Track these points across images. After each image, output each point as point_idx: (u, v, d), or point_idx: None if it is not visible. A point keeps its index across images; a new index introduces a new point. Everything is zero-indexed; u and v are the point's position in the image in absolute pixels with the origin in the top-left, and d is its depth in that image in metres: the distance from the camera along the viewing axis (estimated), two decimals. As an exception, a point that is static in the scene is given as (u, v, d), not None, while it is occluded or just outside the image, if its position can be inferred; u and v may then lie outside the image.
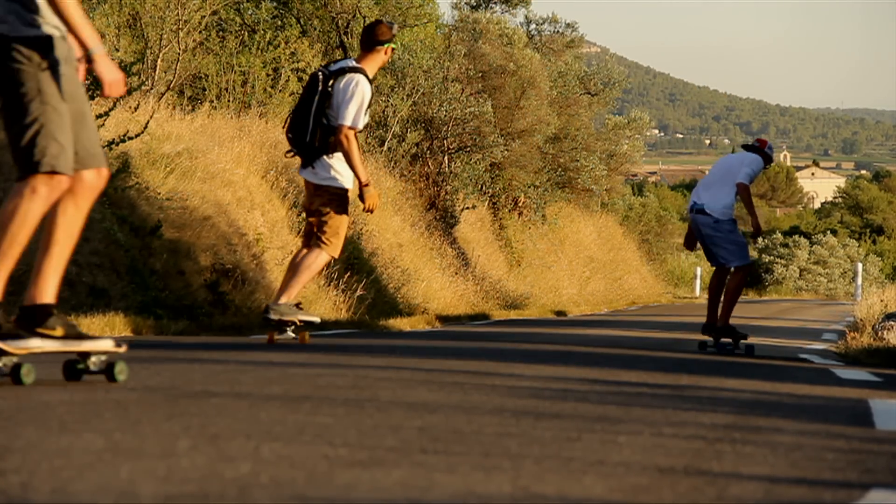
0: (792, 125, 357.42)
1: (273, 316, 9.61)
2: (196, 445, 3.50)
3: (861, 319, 17.27)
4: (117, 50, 18.60)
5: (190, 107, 19.65)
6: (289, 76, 21.81)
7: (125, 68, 13.83)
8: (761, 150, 12.13)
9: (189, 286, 13.92)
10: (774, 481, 3.37)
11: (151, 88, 18.80)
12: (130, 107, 16.19)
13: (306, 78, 22.30)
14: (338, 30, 24.49)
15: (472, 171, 25.60)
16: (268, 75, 21.65)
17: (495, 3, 31.46)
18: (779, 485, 3.33)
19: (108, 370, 5.33)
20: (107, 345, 5.33)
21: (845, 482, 3.40)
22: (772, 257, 54.34)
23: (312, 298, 16.72)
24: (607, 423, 4.53)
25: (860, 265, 45.96)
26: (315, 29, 24.52)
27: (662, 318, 23.75)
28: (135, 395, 4.92)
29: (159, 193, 14.78)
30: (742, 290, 12.00)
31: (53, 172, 5.11)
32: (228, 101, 20.78)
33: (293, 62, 22.07)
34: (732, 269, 11.85)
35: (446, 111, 24.49)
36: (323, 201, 9.65)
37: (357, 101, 9.48)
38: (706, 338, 11.96)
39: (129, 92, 14.17)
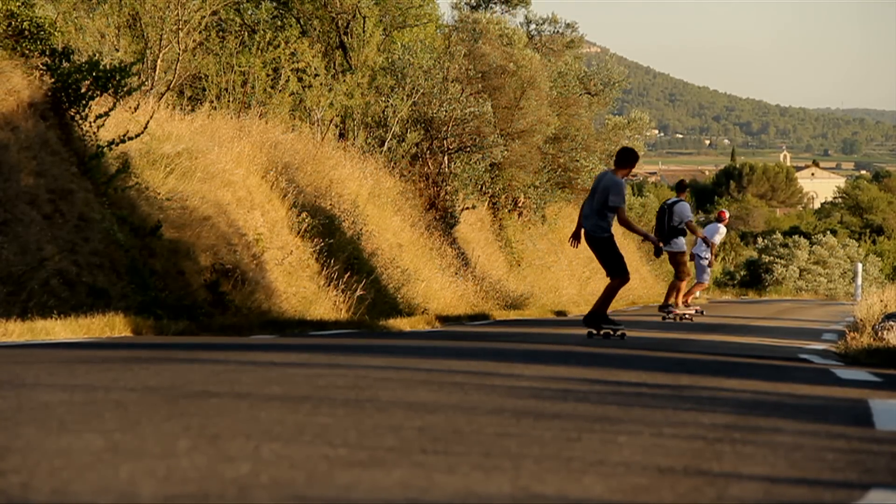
0: (792, 125, 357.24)
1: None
2: (196, 445, 3.50)
3: (861, 319, 17.24)
4: (117, 50, 18.59)
5: (190, 107, 19.65)
6: (289, 76, 21.81)
7: (125, 68, 13.80)
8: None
9: (189, 286, 13.92)
10: (774, 481, 3.37)
11: (151, 88, 18.80)
12: (130, 107, 16.18)
13: (306, 78, 22.35)
14: (338, 30, 24.49)
15: (471, 171, 25.60)
16: (268, 75, 21.64)
17: (495, 3, 31.46)
18: (779, 485, 3.32)
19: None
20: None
21: (845, 482, 3.40)
22: (772, 257, 54.29)
23: (313, 298, 16.71)
24: (607, 423, 4.53)
25: (860, 265, 45.93)
26: (315, 29, 24.52)
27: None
28: (135, 395, 4.91)
29: (159, 193, 14.77)
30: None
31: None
32: (228, 101, 20.77)
33: (293, 62, 22.06)
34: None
35: (446, 111, 24.48)
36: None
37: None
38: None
39: (129, 92, 14.15)
